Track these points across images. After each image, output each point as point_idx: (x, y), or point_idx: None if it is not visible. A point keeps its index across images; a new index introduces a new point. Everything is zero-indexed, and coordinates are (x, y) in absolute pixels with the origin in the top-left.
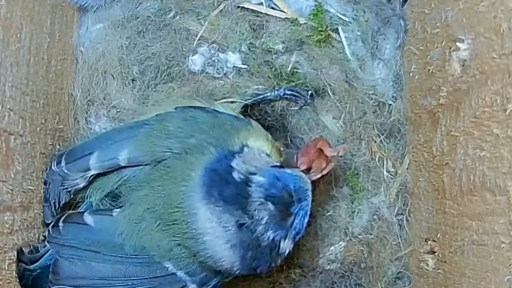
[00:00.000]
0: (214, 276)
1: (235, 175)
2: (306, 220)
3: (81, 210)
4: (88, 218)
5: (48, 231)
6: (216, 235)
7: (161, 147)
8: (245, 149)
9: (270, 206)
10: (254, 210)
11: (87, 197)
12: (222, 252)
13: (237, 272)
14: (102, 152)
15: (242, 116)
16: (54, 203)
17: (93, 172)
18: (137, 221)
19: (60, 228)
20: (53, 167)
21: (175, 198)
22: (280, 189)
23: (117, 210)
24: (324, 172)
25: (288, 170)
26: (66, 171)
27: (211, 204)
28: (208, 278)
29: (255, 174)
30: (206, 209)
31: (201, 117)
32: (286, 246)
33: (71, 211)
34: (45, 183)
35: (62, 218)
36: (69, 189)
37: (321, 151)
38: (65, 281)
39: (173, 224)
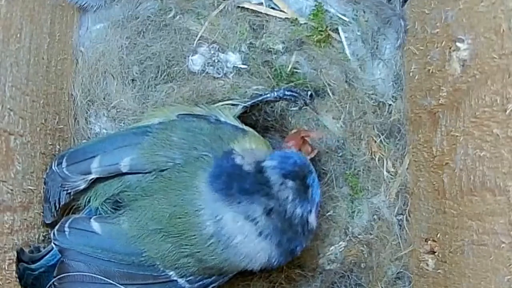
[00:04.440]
0: (213, 281)
1: (245, 167)
2: (319, 191)
3: (84, 215)
4: (96, 226)
5: (54, 233)
6: (246, 233)
7: (163, 157)
8: (236, 148)
9: (290, 183)
10: (278, 192)
11: (87, 201)
12: (256, 246)
13: (276, 263)
14: (104, 157)
15: (240, 124)
16: (55, 203)
17: (94, 176)
18: (141, 230)
19: (66, 232)
20: (53, 167)
21: (181, 210)
22: (292, 164)
23: (122, 218)
24: (312, 155)
25: (287, 150)
26: (66, 172)
27: (233, 204)
28: (206, 284)
29: (263, 160)
30: (229, 210)
31: (204, 129)
32: (312, 220)
33: (76, 215)
34: (45, 183)
35: (68, 223)
36: (69, 191)
37: (304, 140)
38: (70, 285)
39: (179, 235)
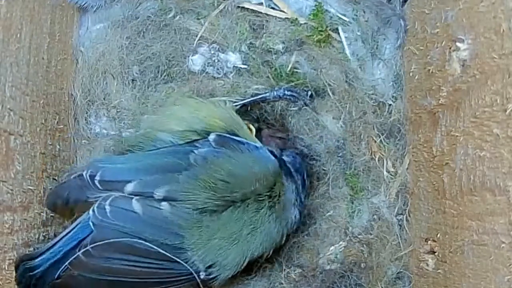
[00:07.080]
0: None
1: None
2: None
3: (125, 194)
4: (137, 206)
5: (93, 210)
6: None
7: (202, 199)
8: None
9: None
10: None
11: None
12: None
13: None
14: (140, 184)
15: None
16: (66, 203)
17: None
18: (184, 219)
19: (107, 210)
20: (84, 175)
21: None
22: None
23: (166, 204)
24: None
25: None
26: (98, 185)
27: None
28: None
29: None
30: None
31: (245, 167)
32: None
33: (115, 194)
34: (65, 186)
35: (109, 201)
36: (90, 199)
37: None
38: (100, 260)
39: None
